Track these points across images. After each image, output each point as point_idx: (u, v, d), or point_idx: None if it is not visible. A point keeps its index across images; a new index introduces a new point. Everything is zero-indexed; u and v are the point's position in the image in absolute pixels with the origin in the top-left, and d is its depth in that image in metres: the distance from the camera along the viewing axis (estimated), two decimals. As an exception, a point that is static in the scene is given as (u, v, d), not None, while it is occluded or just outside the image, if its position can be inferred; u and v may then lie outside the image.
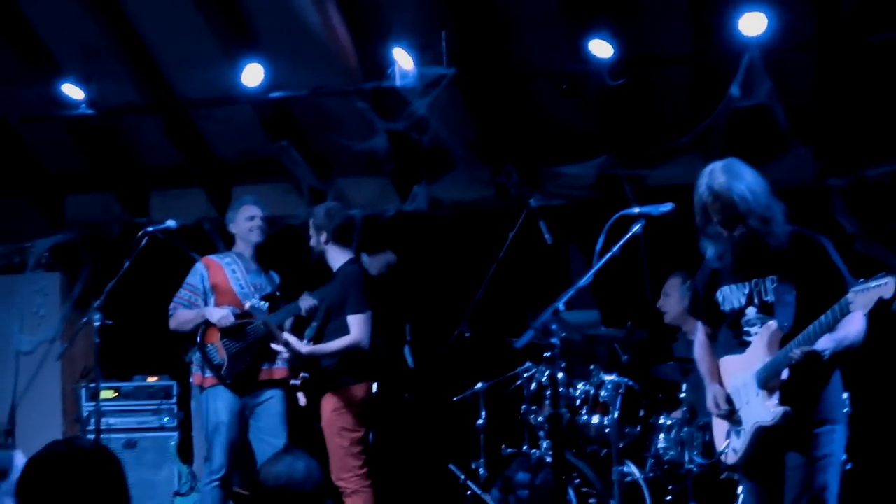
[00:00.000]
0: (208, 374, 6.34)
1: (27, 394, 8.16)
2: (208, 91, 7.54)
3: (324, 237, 6.01)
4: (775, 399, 3.95)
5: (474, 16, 6.98)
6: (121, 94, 7.61)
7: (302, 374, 5.99)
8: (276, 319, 6.26)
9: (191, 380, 6.94)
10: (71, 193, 8.72)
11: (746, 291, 4.13)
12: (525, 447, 5.86)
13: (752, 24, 6.35)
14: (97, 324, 6.17)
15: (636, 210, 4.41)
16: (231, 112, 7.70)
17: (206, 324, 6.35)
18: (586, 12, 6.72)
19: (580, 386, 5.80)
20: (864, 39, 6.46)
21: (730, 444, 4.15)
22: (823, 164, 7.08)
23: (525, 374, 6.01)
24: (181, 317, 6.42)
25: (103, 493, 2.86)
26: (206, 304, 6.42)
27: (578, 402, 5.77)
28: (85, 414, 7.46)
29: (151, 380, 7.61)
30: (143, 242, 6.31)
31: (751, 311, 4.11)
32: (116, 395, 7.55)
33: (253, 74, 7.10)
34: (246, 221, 6.46)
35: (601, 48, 6.63)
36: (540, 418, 5.76)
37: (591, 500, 5.47)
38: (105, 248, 7.88)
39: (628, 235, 4.32)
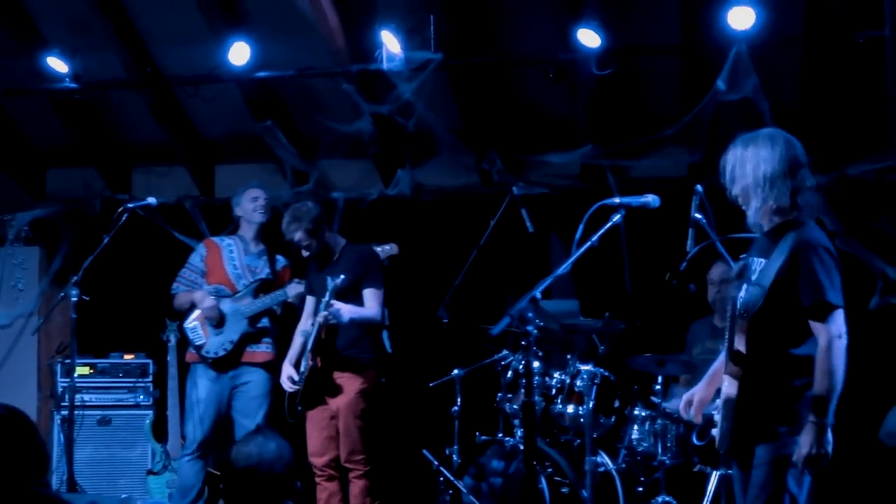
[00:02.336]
0: (191, 350, 6.54)
1: (2, 368, 8.13)
2: (194, 68, 7.49)
3: (320, 232, 6.16)
4: None
5: (463, 1, 6.96)
6: (106, 69, 7.56)
7: (301, 376, 6.09)
8: (261, 305, 6.37)
9: (168, 358, 7.06)
10: (53, 167, 8.69)
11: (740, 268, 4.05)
12: (499, 435, 5.85)
13: (741, 18, 6.34)
14: (74, 299, 6.19)
15: (617, 200, 4.40)
16: (217, 90, 7.66)
17: (192, 304, 6.51)
18: (575, 1, 6.70)
19: (556, 375, 5.79)
20: (850, 37, 6.46)
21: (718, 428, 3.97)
22: (807, 161, 7.07)
23: (502, 362, 6.00)
24: (178, 300, 6.62)
25: (19, 455, 2.87)
26: (201, 285, 6.59)
27: (554, 391, 5.76)
28: (60, 389, 7.45)
29: (128, 357, 7.59)
30: (124, 219, 6.35)
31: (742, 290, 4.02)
32: (92, 371, 7.54)
33: (239, 53, 7.06)
34: (250, 203, 6.67)
35: (589, 37, 6.61)
36: (515, 406, 5.74)
37: (564, 490, 5.46)
38: (85, 224, 7.84)
39: (608, 225, 4.31)
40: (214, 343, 6.45)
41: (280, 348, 6.56)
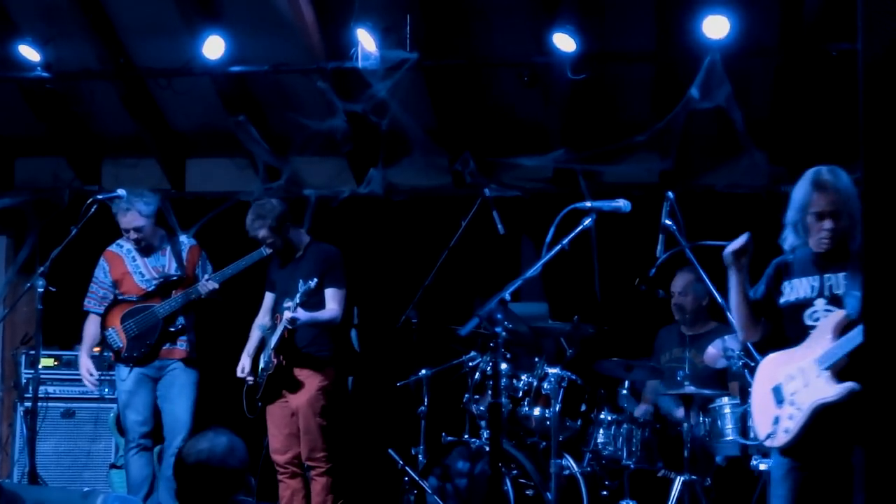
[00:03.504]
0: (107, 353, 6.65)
1: (-34, 357, 8.06)
2: (168, 61, 7.43)
3: (284, 229, 6.20)
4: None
5: (440, 1, 6.96)
6: (78, 59, 7.50)
7: (265, 372, 6.12)
8: (173, 305, 6.35)
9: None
10: (21, 157, 8.61)
11: (817, 284, 4.15)
12: (466, 436, 5.85)
13: (716, 27, 6.38)
14: (41, 290, 6.14)
15: (588, 204, 4.41)
16: (190, 84, 7.62)
17: (108, 308, 6.54)
18: (552, 4, 6.71)
19: (524, 377, 5.80)
20: (823, 49, 6.51)
21: (779, 425, 4.08)
22: (777, 170, 7.13)
23: (470, 363, 6.00)
24: (86, 329, 6.67)
25: None
26: (114, 296, 6.57)
27: (521, 393, 5.77)
28: (24, 381, 7.38)
29: (93, 350, 7.52)
30: (93, 210, 6.29)
31: (819, 303, 4.12)
32: (57, 363, 7.48)
33: (214, 47, 7.02)
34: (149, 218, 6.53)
35: (565, 42, 6.63)
36: (482, 408, 5.75)
37: (528, 492, 5.47)
38: (53, 214, 7.76)
39: (579, 229, 4.32)
40: (132, 346, 6.44)
41: (199, 342, 6.59)
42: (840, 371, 3.96)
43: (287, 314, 5.93)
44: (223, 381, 6.59)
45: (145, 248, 6.55)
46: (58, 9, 7.20)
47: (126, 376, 6.45)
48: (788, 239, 4.29)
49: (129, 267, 6.58)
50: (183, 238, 6.68)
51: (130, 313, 6.45)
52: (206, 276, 6.44)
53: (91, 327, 6.64)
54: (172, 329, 6.44)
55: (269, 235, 6.15)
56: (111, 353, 6.64)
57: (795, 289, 4.22)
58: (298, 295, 5.90)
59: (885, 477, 2.21)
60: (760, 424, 4.24)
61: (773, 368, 4.22)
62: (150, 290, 6.49)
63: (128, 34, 7.49)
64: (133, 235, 6.49)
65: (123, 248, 6.64)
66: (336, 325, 6.23)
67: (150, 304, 6.45)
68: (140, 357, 6.42)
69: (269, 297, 6.44)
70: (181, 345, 6.48)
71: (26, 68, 7.33)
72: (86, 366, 6.57)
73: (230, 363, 6.52)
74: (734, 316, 4.40)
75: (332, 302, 6.17)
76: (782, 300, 4.25)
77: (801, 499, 4.08)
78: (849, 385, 3.91)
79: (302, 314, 5.97)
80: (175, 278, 6.49)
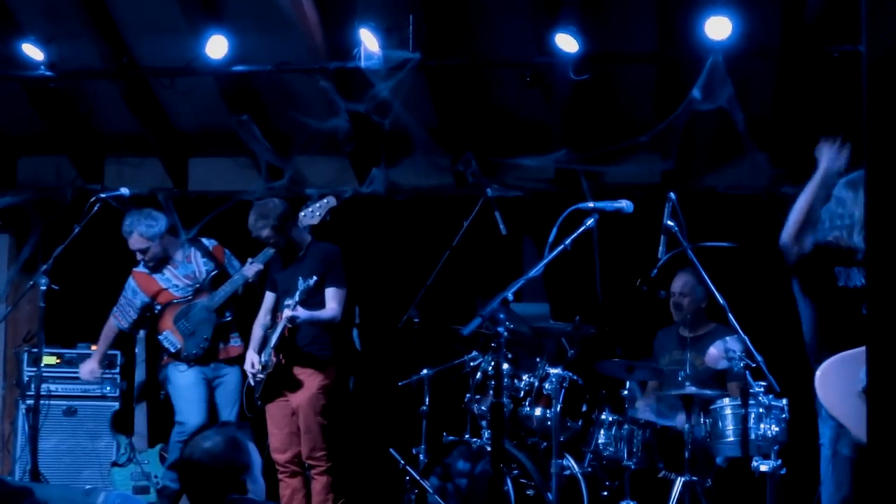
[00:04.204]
0: (165, 357, 6.73)
1: (-32, 355, 8.06)
2: (171, 60, 7.44)
3: (287, 228, 6.21)
4: None
5: (442, 2, 6.96)
6: (82, 58, 7.50)
7: (265, 370, 6.16)
8: (224, 294, 6.41)
9: (136, 350, 7.11)
10: (25, 155, 8.61)
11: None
12: (467, 436, 5.85)
13: (718, 29, 6.37)
14: (43, 288, 6.17)
15: (590, 205, 4.40)
16: (193, 83, 7.62)
17: (157, 315, 6.69)
18: (554, 5, 6.71)
19: (525, 377, 5.80)
20: (825, 51, 6.51)
21: None
22: (779, 171, 7.13)
23: (472, 363, 6.00)
24: (105, 330, 6.88)
25: None
26: (149, 313, 6.77)
27: (522, 393, 5.77)
28: (26, 378, 7.38)
29: (95, 348, 7.53)
30: (96, 209, 6.34)
31: None
32: (59, 361, 7.48)
33: (217, 46, 7.02)
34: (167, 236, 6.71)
35: (567, 42, 6.62)
36: (483, 407, 5.75)
37: (529, 492, 5.47)
38: (56, 212, 7.76)
39: (581, 230, 4.31)
40: (190, 344, 6.54)
41: (245, 337, 6.66)
42: None
43: (287, 312, 5.94)
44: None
45: (159, 264, 6.68)
46: (61, 8, 7.20)
47: (182, 374, 6.56)
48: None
49: (161, 283, 6.72)
50: (205, 241, 6.78)
51: (182, 313, 6.58)
52: (250, 260, 6.48)
53: (109, 333, 6.85)
54: (224, 320, 6.55)
55: (272, 235, 6.17)
56: (165, 356, 6.72)
57: (853, 277, 4.07)
58: (298, 293, 5.91)
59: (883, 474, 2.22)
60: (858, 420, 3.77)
61: (852, 371, 3.80)
62: (188, 296, 6.62)
63: (131, 33, 7.48)
64: (139, 257, 6.63)
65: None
66: (336, 324, 6.23)
67: (197, 301, 6.59)
68: (201, 355, 6.52)
69: (269, 297, 6.44)
70: (233, 341, 6.62)
71: (30, 67, 7.33)
72: (90, 367, 6.65)
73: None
74: (793, 213, 4.20)
75: (333, 301, 6.17)
76: (839, 283, 4.08)
77: None
78: None
79: (302, 313, 5.97)
80: (213, 275, 6.63)
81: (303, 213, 6.36)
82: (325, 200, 6.38)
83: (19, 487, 3.31)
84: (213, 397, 6.61)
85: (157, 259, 6.65)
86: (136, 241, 6.58)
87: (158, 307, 6.71)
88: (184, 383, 6.54)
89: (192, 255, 6.72)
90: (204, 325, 6.51)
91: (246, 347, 6.52)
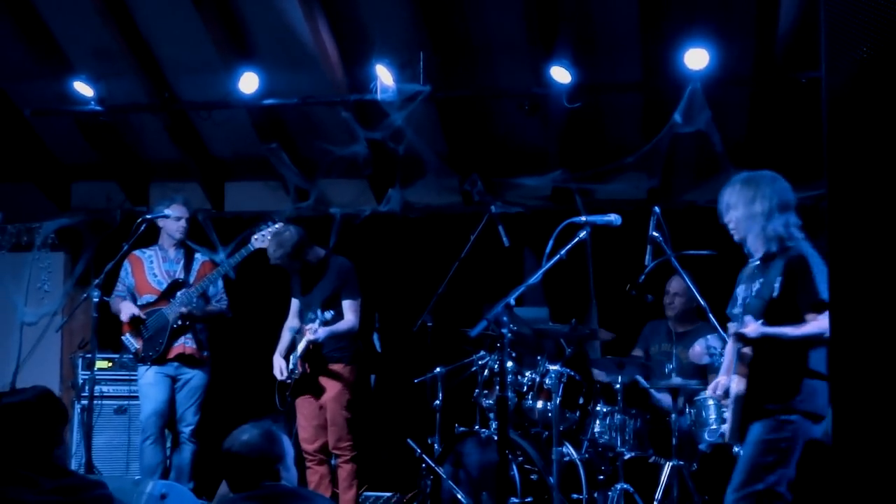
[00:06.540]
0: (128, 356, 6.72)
1: (29, 361, 8.07)
2: (207, 95, 7.51)
3: (301, 254, 6.19)
4: None
5: (450, 40, 7.01)
6: (127, 94, 7.58)
7: (292, 375, 6.21)
8: (185, 299, 6.46)
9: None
10: (78, 181, 8.68)
11: None
12: (476, 427, 5.87)
13: (696, 59, 6.41)
14: (96, 300, 6.17)
15: (583, 219, 4.45)
16: (227, 115, 7.68)
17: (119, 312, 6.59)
18: (549, 41, 6.75)
19: (527, 374, 5.82)
20: (793, 78, 6.54)
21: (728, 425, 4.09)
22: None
23: (479, 362, 6.02)
24: (112, 306, 6.61)
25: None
26: (133, 295, 6.63)
27: (525, 388, 5.79)
28: (80, 381, 7.41)
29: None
30: (142, 229, 6.34)
31: None
32: (110, 365, 7.49)
33: (249, 82, 7.09)
34: (174, 221, 6.59)
35: (561, 74, 6.67)
36: (490, 401, 5.77)
37: (532, 477, 5.49)
38: (107, 232, 7.81)
39: (575, 241, 4.36)
40: (147, 346, 6.49)
41: (219, 342, 6.68)
42: None
43: (308, 335, 6.00)
44: (242, 379, 6.62)
45: (175, 246, 6.62)
46: (109, 49, 7.28)
47: (146, 375, 6.51)
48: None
49: (145, 268, 6.63)
50: (198, 255, 6.72)
51: (137, 321, 6.52)
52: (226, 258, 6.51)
53: (113, 304, 6.66)
54: (177, 326, 6.46)
55: (288, 263, 6.21)
56: (131, 356, 6.69)
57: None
58: (318, 322, 5.97)
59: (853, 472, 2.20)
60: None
61: None
62: (161, 290, 6.53)
63: (172, 71, 7.56)
64: (184, 225, 6.60)
65: (146, 254, 6.69)
66: (355, 332, 6.27)
67: (159, 308, 6.51)
68: (156, 357, 6.45)
69: (295, 303, 6.46)
70: (188, 342, 6.50)
71: (81, 102, 7.42)
72: (132, 310, 6.55)
73: (250, 362, 6.61)
74: None
75: (349, 312, 6.21)
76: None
77: None
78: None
79: (322, 333, 6.03)
80: (181, 281, 6.55)
81: (255, 237, 6.39)
82: (275, 225, 6.37)
83: (94, 480, 3.36)
84: (174, 394, 6.52)
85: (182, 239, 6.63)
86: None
87: (138, 297, 6.61)
88: (143, 382, 6.50)
89: (181, 259, 6.66)
90: (161, 330, 6.46)
91: (241, 349, 6.50)
